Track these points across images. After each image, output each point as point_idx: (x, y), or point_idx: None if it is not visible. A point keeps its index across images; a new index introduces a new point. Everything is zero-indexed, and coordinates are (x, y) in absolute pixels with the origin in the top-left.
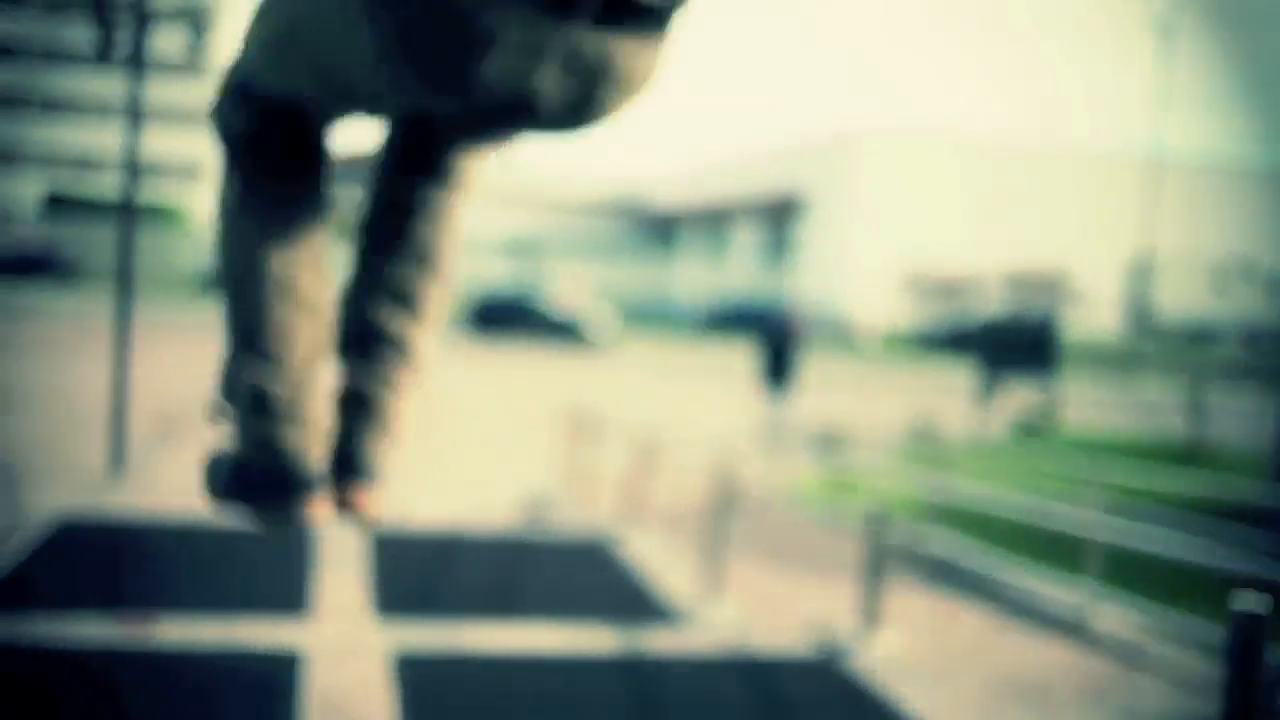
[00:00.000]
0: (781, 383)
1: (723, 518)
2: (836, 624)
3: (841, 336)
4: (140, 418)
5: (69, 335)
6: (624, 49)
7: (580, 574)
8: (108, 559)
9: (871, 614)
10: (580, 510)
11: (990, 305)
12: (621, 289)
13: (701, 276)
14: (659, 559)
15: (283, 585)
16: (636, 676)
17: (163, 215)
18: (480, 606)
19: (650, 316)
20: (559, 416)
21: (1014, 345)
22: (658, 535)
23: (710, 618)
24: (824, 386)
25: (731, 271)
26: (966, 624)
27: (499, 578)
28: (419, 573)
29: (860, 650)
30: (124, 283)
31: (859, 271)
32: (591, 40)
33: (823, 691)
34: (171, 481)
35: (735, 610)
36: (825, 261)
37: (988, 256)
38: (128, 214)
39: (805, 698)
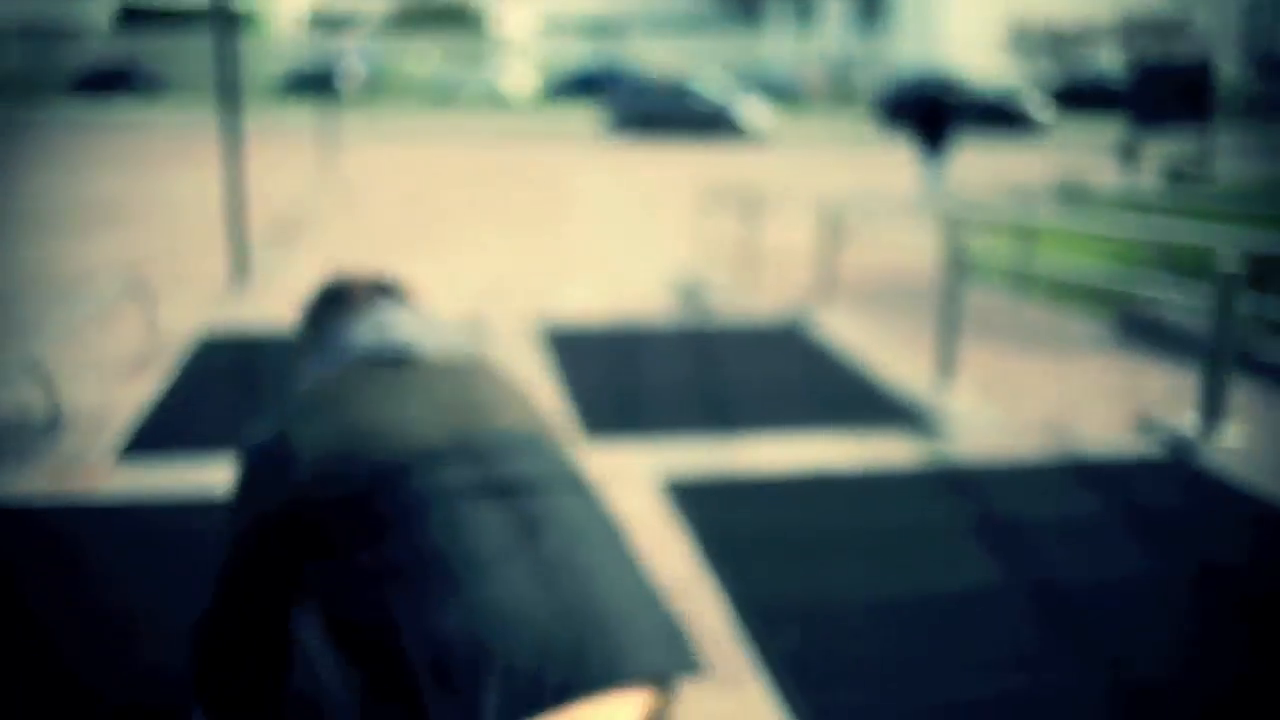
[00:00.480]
0: (938, 150)
1: (953, 294)
2: (1158, 412)
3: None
4: (254, 225)
5: (162, 147)
6: None
7: (789, 364)
8: (261, 378)
9: (1214, 401)
10: (741, 293)
11: (1102, 56)
12: (710, 64)
13: (792, 47)
14: (859, 341)
15: None
16: (947, 490)
17: (240, 21)
18: (698, 416)
19: (741, 88)
20: (699, 196)
21: (1169, 91)
22: (848, 316)
23: (969, 415)
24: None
25: (824, 39)
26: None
27: (702, 378)
28: (610, 381)
29: (1210, 445)
30: (229, 91)
31: (961, 31)
32: None
33: (1182, 494)
34: (295, 288)
35: (976, 399)
36: (924, 23)
37: (1096, 4)
38: (224, 21)
39: (1163, 503)
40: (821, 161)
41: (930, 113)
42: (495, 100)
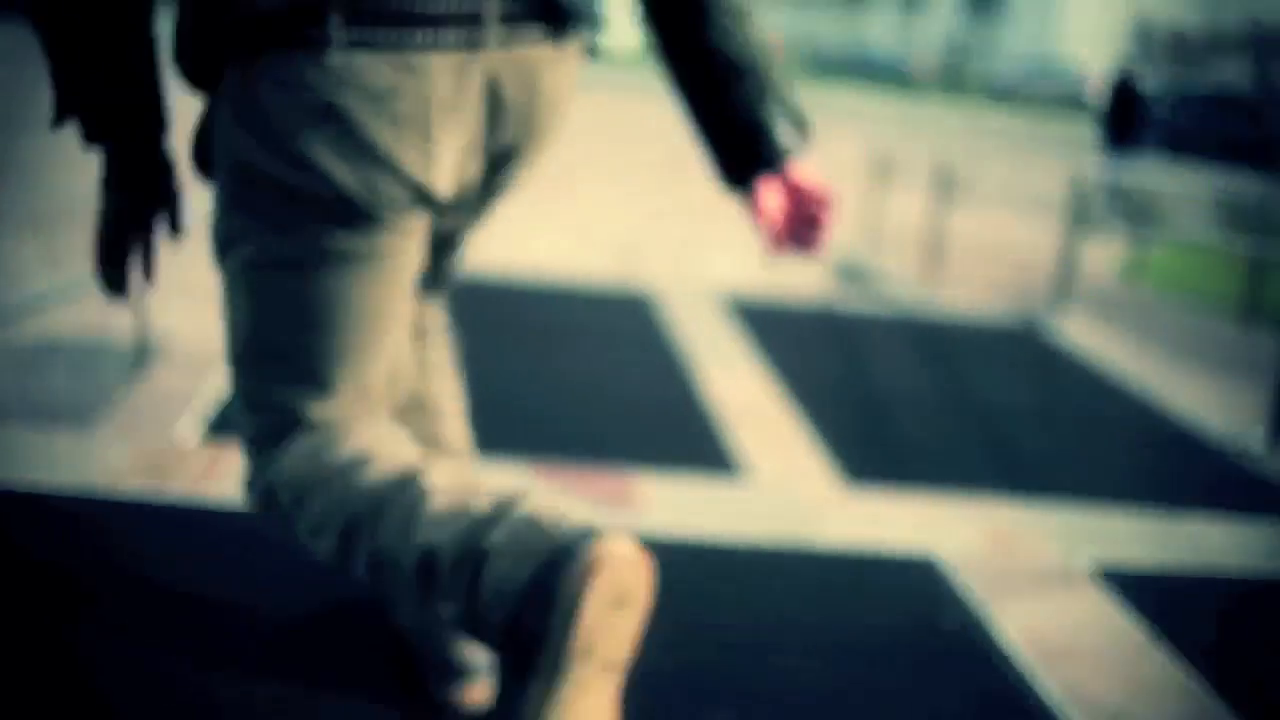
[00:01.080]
0: (1125, 144)
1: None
2: None
3: (1068, 96)
4: None
5: None
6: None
7: (1064, 389)
8: None
9: None
10: (917, 282)
11: (1229, 69)
12: (810, 39)
13: (897, 26)
14: (1114, 357)
15: (703, 442)
16: None
17: None
18: (998, 459)
19: (844, 69)
20: (854, 169)
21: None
22: (1084, 324)
23: None
24: (1069, 149)
25: (930, 24)
26: None
27: (959, 395)
28: (847, 390)
29: None
30: None
31: (1079, 26)
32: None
33: None
34: None
35: None
36: (1040, 13)
37: (1225, 11)
38: None
39: None
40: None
41: (1120, 96)
42: (593, 52)
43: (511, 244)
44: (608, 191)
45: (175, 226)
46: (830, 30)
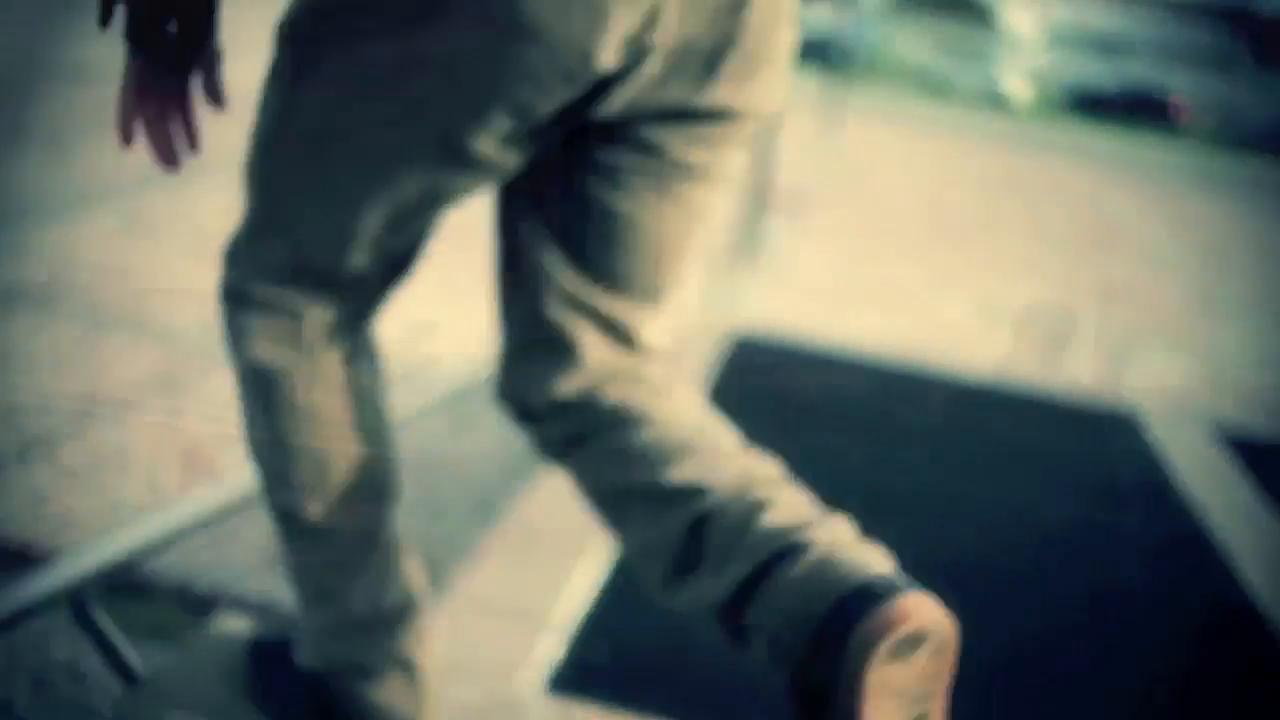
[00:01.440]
0: None
1: None
2: None
3: None
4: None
5: None
6: None
7: None
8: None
9: None
10: None
11: None
12: (1222, 106)
13: None
14: None
15: None
16: None
17: None
18: None
19: (1265, 142)
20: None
21: None
22: None
23: None
24: None
25: None
26: None
27: None
28: None
29: None
30: None
31: None
32: None
33: None
34: (815, 279)
35: None
36: None
37: None
38: None
39: None
40: None
41: None
42: (995, 101)
43: (902, 306)
44: (1011, 260)
45: (215, 96)
46: (1243, 95)
